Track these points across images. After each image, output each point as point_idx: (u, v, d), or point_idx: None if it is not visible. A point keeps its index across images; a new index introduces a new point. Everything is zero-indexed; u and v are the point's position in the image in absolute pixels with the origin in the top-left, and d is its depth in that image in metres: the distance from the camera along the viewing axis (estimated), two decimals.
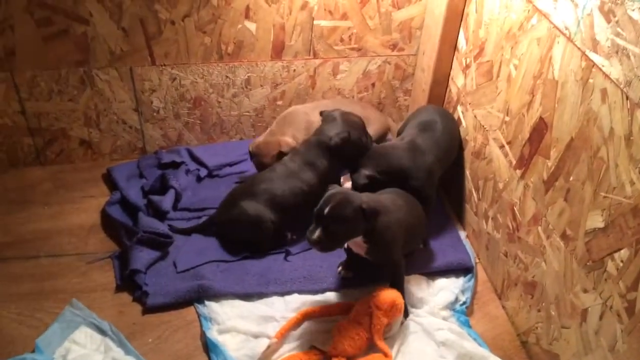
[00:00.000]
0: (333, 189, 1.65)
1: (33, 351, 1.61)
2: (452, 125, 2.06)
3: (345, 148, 1.87)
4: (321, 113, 2.00)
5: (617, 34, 1.26)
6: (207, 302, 1.78)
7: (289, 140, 2.04)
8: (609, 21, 1.28)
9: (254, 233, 1.89)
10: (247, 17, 2.09)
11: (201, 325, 1.73)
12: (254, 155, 2.09)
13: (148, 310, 1.77)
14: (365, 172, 1.85)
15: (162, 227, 1.94)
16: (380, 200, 1.70)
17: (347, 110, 1.98)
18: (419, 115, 2.08)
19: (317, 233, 1.57)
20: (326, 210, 1.56)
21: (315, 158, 1.91)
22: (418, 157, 1.90)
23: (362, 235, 1.65)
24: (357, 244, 1.69)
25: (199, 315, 1.76)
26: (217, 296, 1.79)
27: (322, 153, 1.91)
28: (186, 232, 1.98)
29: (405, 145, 1.93)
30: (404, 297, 1.73)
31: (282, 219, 1.89)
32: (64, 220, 2.07)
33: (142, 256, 1.85)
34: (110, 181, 2.20)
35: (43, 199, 2.14)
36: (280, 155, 2.01)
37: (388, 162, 1.88)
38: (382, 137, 2.23)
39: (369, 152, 1.89)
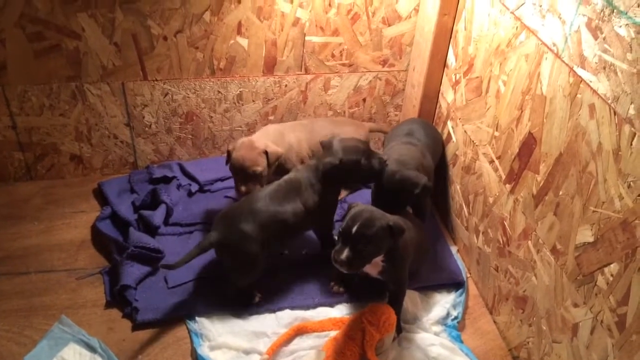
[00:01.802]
0: (357, 207, 1.61)
1: None
2: (433, 131, 2.13)
3: (336, 173, 1.81)
4: (321, 143, 1.92)
5: (605, 50, 1.28)
6: (197, 318, 1.77)
7: (278, 149, 1.97)
8: (596, 38, 1.30)
9: (245, 268, 1.77)
10: (239, 33, 2.10)
11: (192, 342, 1.72)
12: (236, 150, 1.92)
13: (138, 326, 1.75)
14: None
15: (152, 242, 1.93)
16: (398, 219, 1.67)
17: (347, 137, 1.91)
18: (401, 127, 2.12)
19: (345, 253, 1.53)
20: (354, 229, 1.53)
21: (313, 181, 1.82)
22: (425, 159, 1.94)
23: (384, 253, 1.63)
24: (373, 263, 1.65)
25: (189, 332, 1.75)
26: (208, 312, 1.78)
27: (318, 177, 1.83)
28: (184, 262, 1.71)
29: (415, 149, 1.96)
30: (399, 314, 1.73)
31: (279, 238, 1.82)
32: (54, 235, 2.05)
33: (133, 271, 1.84)
34: (101, 196, 2.19)
35: (33, 214, 2.13)
36: (264, 155, 1.91)
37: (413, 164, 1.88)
38: None
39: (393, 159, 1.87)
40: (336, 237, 1.62)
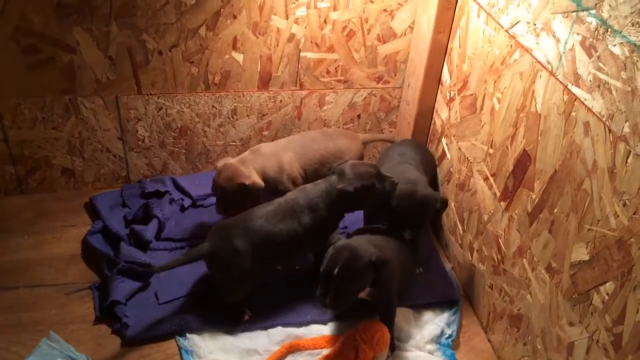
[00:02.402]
0: (336, 243, 1.59)
1: None
2: (424, 151, 2.14)
3: (351, 200, 1.78)
4: (329, 168, 1.89)
5: (599, 69, 1.28)
6: (188, 335, 1.74)
7: (259, 182, 1.92)
8: (590, 56, 1.31)
9: (234, 283, 1.75)
10: (234, 48, 2.11)
11: (182, 359, 1.69)
12: (219, 173, 1.91)
13: (128, 343, 1.72)
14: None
15: (143, 257, 1.91)
16: (381, 246, 1.65)
17: (357, 162, 1.88)
18: (393, 150, 2.14)
19: (329, 297, 1.51)
20: (336, 271, 1.50)
21: (320, 205, 1.79)
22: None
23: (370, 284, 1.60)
24: None
25: (180, 349, 1.72)
26: (198, 329, 1.75)
27: (326, 202, 1.79)
28: (168, 268, 1.72)
29: (412, 167, 1.97)
30: (392, 332, 1.71)
31: (272, 258, 1.80)
32: (44, 250, 2.02)
33: (123, 287, 1.81)
34: (92, 210, 2.17)
35: (23, 228, 2.10)
36: (242, 187, 1.88)
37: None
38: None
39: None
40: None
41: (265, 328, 1.78)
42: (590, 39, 1.30)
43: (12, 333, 1.73)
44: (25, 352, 1.66)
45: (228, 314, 1.79)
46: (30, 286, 1.89)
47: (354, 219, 2.09)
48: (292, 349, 1.70)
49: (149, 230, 2.02)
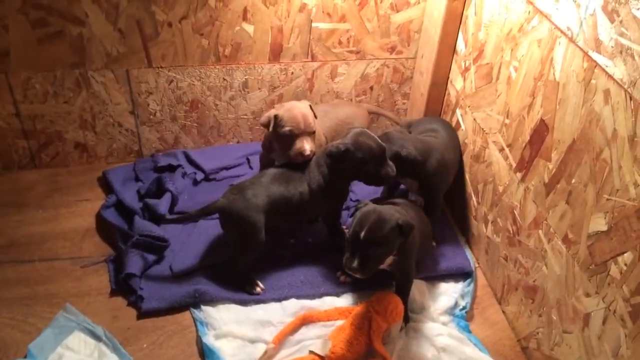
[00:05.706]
0: (363, 207, 1.57)
1: (25, 357, 1.58)
2: (455, 135, 2.08)
3: (336, 159, 1.75)
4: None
5: (621, 34, 1.24)
6: (203, 307, 1.75)
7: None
8: (612, 21, 1.27)
9: (246, 238, 1.76)
10: (244, 19, 2.07)
11: (197, 330, 1.70)
12: (289, 110, 1.83)
13: (143, 315, 1.74)
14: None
15: (157, 230, 1.91)
16: (404, 213, 1.63)
17: (370, 134, 1.79)
18: (422, 123, 2.09)
19: (356, 261, 1.50)
20: (362, 235, 1.49)
21: (321, 162, 1.80)
22: (433, 152, 1.88)
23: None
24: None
25: (194, 320, 1.73)
26: (213, 301, 1.76)
27: (326, 162, 1.79)
28: (182, 220, 1.91)
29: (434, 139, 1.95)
30: (406, 303, 1.71)
31: (283, 215, 1.81)
32: (58, 224, 2.04)
33: (138, 260, 1.82)
34: (105, 184, 2.17)
35: (37, 203, 2.11)
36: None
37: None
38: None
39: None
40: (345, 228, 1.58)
41: (279, 300, 1.79)
42: (613, 3, 1.26)
43: (28, 305, 1.75)
44: (42, 324, 1.68)
45: (241, 287, 1.80)
46: (45, 259, 1.90)
47: (366, 193, 2.08)
48: (306, 320, 1.71)
49: (162, 204, 2.02)
